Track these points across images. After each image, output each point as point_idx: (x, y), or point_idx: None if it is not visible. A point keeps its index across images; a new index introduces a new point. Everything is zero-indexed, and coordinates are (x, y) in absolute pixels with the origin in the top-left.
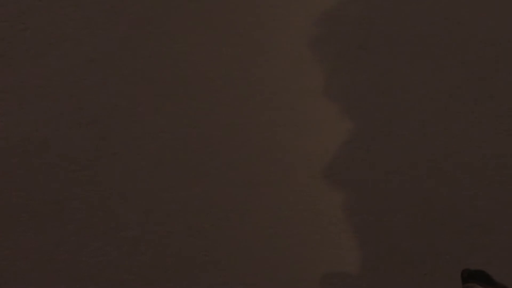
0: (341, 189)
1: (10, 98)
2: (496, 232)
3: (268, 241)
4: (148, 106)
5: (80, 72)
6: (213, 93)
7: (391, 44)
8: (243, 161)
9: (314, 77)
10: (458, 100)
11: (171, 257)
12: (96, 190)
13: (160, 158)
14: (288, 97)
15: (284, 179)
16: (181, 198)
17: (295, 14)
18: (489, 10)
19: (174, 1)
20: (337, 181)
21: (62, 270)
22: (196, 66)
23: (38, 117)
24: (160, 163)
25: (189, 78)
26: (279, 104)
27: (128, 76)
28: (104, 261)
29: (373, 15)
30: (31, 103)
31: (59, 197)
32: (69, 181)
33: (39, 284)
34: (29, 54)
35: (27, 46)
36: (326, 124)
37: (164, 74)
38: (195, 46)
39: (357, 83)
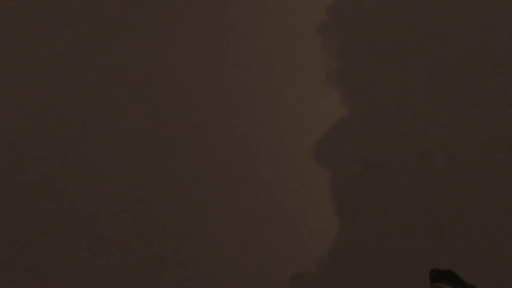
0: (309, 191)
1: None
2: (464, 233)
3: (237, 241)
4: (117, 106)
5: (48, 72)
6: (184, 93)
7: (377, 42)
8: (213, 163)
9: (287, 76)
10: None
11: (140, 257)
12: (65, 190)
13: (130, 158)
14: (259, 98)
15: (253, 180)
16: (150, 198)
17: (266, 14)
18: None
19: (145, 1)
20: (305, 182)
21: (31, 270)
22: (167, 66)
23: (5, 118)
24: (129, 164)
25: (160, 78)
26: (249, 104)
27: (97, 76)
28: (73, 261)
29: (358, 15)
30: None
31: (28, 197)
32: (38, 181)
33: (5, 283)
34: None
35: None
36: (297, 125)
37: (134, 75)
38: (166, 47)
39: (328, 81)
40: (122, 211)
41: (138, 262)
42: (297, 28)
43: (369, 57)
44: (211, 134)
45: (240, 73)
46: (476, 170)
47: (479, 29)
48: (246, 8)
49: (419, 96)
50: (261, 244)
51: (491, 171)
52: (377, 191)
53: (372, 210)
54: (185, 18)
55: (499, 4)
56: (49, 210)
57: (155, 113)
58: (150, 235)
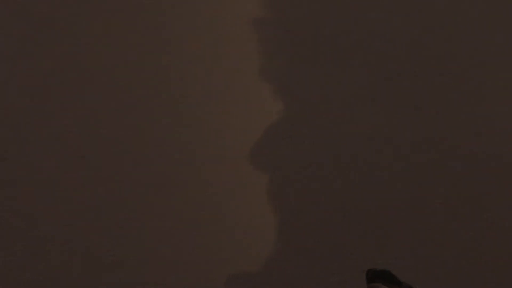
0: (246, 191)
1: None
2: (400, 233)
3: (174, 241)
4: (52, 107)
5: None
6: (120, 93)
7: (314, 42)
8: (149, 163)
9: (220, 76)
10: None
11: (78, 257)
12: (1, 190)
13: (67, 158)
14: (195, 98)
15: (189, 180)
16: (87, 198)
17: (199, 15)
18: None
19: (76, 2)
20: (242, 183)
21: None
22: (102, 66)
23: None
24: (66, 164)
25: (95, 78)
26: (184, 104)
27: (31, 76)
28: (11, 261)
29: (294, 14)
30: None
31: None
32: None
33: None
34: None
35: None
36: (232, 124)
37: (68, 75)
38: (99, 47)
39: (264, 82)
40: (59, 211)
41: (75, 262)
42: (232, 27)
43: (306, 57)
44: (148, 135)
45: (175, 73)
46: (412, 170)
47: (418, 28)
48: (180, 7)
49: (358, 96)
50: (198, 245)
51: (428, 171)
52: (313, 191)
53: (309, 211)
54: (120, 18)
55: (437, 3)
56: None
57: (90, 113)
58: (86, 235)
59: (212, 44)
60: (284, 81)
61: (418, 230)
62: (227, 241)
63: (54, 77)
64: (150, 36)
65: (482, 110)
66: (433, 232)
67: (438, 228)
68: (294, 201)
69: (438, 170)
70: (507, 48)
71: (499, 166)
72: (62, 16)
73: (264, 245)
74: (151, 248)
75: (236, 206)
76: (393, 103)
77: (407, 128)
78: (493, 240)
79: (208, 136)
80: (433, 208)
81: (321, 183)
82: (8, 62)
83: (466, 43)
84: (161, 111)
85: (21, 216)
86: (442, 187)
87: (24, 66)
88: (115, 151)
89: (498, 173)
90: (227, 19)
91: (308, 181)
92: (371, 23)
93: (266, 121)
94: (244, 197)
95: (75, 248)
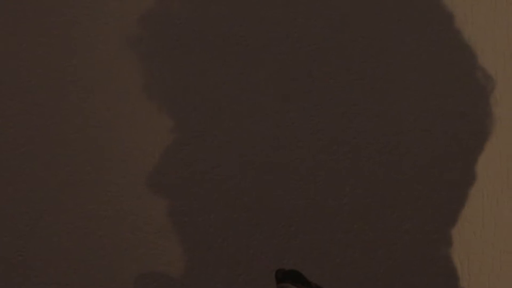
0: (156, 190)
1: None
2: (309, 232)
3: (82, 241)
4: None
5: None
6: (26, 93)
7: (221, 42)
8: (57, 162)
9: (131, 77)
10: (270, 98)
11: None
12: None
13: None
14: (103, 98)
15: (98, 180)
16: None
17: (110, 15)
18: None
19: None
20: (152, 182)
21: None
22: (7, 66)
23: None
24: None
25: (3, 78)
26: (94, 105)
27: None
28: None
29: (202, 15)
30: None
31: None
32: None
33: None
34: None
35: None
36: (143, 125)
37: None
38: (5, 46)
39: (175, 82)
40: None
41: None
42: (134, 26)
43: (214, 57)
44: (56, 134)
45: (86, 72)
46: (319, 170)
47: (328, 28)
48: (91, 9)
49: (267, 96)
50: (106, 244)
51: (334, 172)
52: (220, 191)
53: (217, 210)
54: (28, 17)
55: (346, 3)
56: None
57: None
58: None
59: (122, 43)
60: (192, 81)
61: (326, 230)
62: (134, 241)
63: None
64: (60, 35)
65: (390, 110)
66: (340, 233)
67: (346, 229)
68: (201, 200)
69: (344, 169)
70: (414, 46)
71: (411, 166)
72: None
73: (169, 245)
74: (59, 248)
75: (143, 205)
76: (302, 104)
77: (317, 128)
78: (402, 240)
79: (117, 135)
80: (341, 208)
81: (229, 183)
82: None
83: (379, 43)
84: (72, 110)
85: None
86: (348, 186)
87: None
88: (23, 150)
89: (410, 173)
90: (138, 20)
91: (217, 181)
92: (280, 22)
93: (173, 120)
94: (150, 196)
95: None
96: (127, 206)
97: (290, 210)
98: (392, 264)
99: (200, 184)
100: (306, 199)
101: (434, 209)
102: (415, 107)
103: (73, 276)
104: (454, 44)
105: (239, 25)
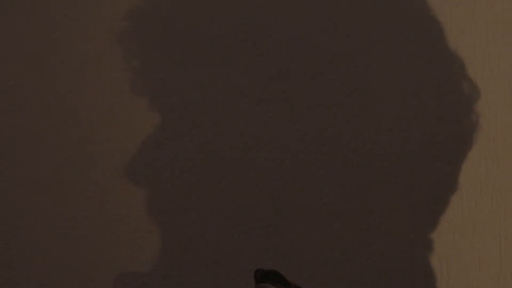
0: (135, 190)
1: None
2: (288, 232)
3: (62, 241)
4: None
5: None
6: (5, 93)
7: (201, 42)
8: (36, 161)
9: (110, 77)
10: (249, 99)
11: None
12: None
13: None
14: (82, 97)
15: (77, 179)
16: None
17: (89, 14)
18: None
19: None
20: (132, 181)
21: None
22: None
23: None
24: None
25: None
26: (72, 104)
27: None
28: None
29: (180, 15)
30: None
31: None
32: None
33: None
34: None
35: None
36: (122, 124)
37: None
38: None
39: (154, 82)
40: None
41: None
42: (116, 26)
43: (192, 58)
44: (35, 133)
45: (65, 70)
46: (298, 170)
47: (304, 28)
48: (71, 8)
49: (244, 96)
50: (84, 244)
51: (314, 172)
52: (199, 191)
53: (197, 210)
54: (9, 17)
55: (324, 4)
56: None
57: None
58: None
59: (102, 44)
60: (172, 81)
61: (305, 230)
62: (114, 241)
63: None
64: (40, 36)
65: (370, 109)
66: (320, 233)
67: (325, 229)
68: (181, 200)
69: (326, 170)
70: (394, 46)
71: (390, 166)
72: None
73: (149, 245)
74: (37, 248)
75: (123, 205)
76: (280, 104)
77: (295, 128)
78: (381, 241)
79: (96, 135)
80: (320, 208)
81: (208, 183)
82: None
83: (359, 45)
84: (47, 111)
85: None
86: (327, 186)
87: None
88: (2, 149)
89: (389, 174)
90: (117, 19)
91: (196, 181)
92: (260, 23)
93: (153, 120)
94: (130, 196)
95: None
96: (106, 206)
97: (269, 210)
98: (371, 265)
99: (180, 184)
100: (284, 199)
101: (413, 209)
102: (394, 108)
103: (53, 276)
104: (433, 45)
105: (217, 25)
